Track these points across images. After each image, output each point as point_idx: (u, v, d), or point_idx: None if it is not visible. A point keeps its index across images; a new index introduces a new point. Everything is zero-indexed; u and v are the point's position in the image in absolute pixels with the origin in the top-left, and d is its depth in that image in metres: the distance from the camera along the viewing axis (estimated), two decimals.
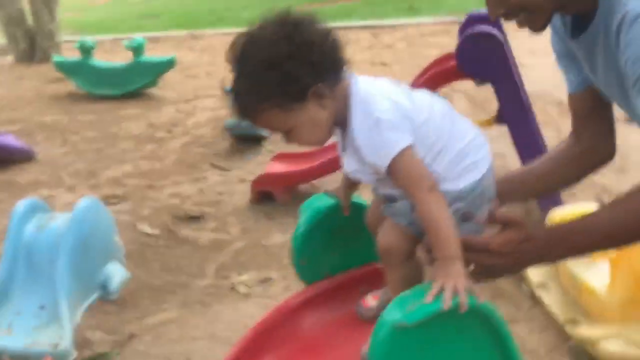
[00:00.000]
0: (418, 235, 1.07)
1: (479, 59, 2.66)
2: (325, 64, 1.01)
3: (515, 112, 2.70)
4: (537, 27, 1.21)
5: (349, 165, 1.11)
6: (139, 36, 5.54)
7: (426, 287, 0.95)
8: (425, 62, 5.45)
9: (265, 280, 2.65)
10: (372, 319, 1.25)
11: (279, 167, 3.34)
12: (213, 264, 2.80)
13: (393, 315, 0.93)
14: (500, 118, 2.99)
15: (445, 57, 3.02)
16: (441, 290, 0.92)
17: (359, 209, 1.30)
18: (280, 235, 2.99)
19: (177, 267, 2.80)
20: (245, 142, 4.08)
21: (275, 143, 4.09)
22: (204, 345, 2.26)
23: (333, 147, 3.29)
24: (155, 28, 9.18)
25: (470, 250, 1.01)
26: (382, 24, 7.15)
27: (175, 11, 10.95)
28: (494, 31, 2.65)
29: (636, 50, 1.03)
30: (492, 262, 1.03)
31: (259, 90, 1.01)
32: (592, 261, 2.08)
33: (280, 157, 3.49)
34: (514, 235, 1.05)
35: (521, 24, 1.21)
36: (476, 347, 0.99)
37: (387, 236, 1.11)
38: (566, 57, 1.35)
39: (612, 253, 1.91)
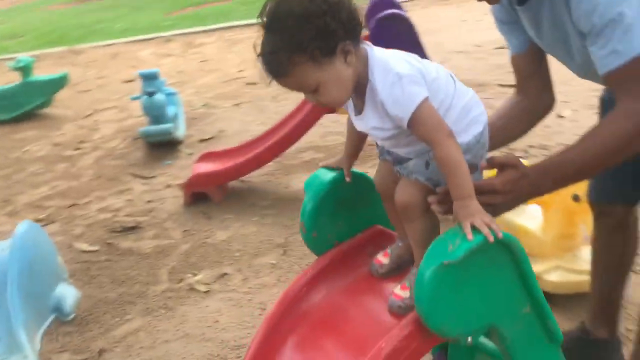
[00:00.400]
0: (434, 188, 1.21)
1: (391, 39, 2.86)
2: (352, 24, 1.10)
3: None
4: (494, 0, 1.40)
5: (367, 123, 1.19)
6: (20, 56, 5.26)
7: (456, 230, 1.10)
8: None
9: (222, 276, 2.70)
10: (386, 274, 1.38)
11: (207, 167, 3.37)
12: (164, 269, 2.80)
13: (436, 257, 1.06)
14: None
15: None
16: (473, 228, 1.08)
17: (358, 178, 1.42)
18: (223, 232, 3.04)
19: (127, 278, 2.77)
20: (160, 148, 4.05)
21: (192, 145, 4.11)
22: (179, 345, 2.28)
23: (258, 142, 3.39)
24: (21, 48, 8.67)
25: (477, 193, 1.17)
26: None
27: (40, 29, 10.38)
28: (403, 12, 2.86)
29: (586, 7, 1.24)
30: (497, 201, 1.19)
31: (295, 43, 1.06)
32: (523, 207, 2.35)
33: (205, 157, 3.51)
34: (512, 175, 1.22)
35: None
36: (503, 279, 1.14)
37: (405, 193, 1.24)
38: (509, 23, 1.56)
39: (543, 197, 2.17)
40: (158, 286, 2.68)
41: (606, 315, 1.96)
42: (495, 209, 1.21)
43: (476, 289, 1.12)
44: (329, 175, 1.38)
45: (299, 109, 3.36)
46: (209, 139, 4.16)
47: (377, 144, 1.35)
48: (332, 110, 3.14)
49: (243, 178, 3.45)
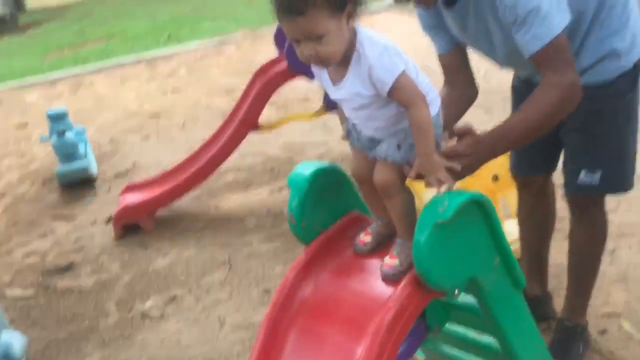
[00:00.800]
0: (407, 164, 1.40)
1: None
2: None
3: None
4: (431, 3, 1.64)
5: (348, 89, 1.32)
6: None
7: (442, 196, 1.28)
8: (212, 83, 5.81)
9: (173, 299, 2.74)
10: (370, 251, 1.54)
11: (134, 198, 3.37)
12: (111, 302, 2.79)
13: (429, 220, 1.25)
14: (328, 107, 3.45)
15: (270, 64, 3.36)
16: (441, 182, 1.30)
17: (332, 170, 1.58)
18: (163, 259, 3.08)
19: (73, 315, 2.73)
20: (74, 187, 3.97)
21: (108, 181, 4.06)
22: None
23: (182, 169, 3.45)
24: None
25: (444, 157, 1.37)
26: (153, 56, 7.25)
27: None
28: None
29: (510, 2, 1.50)
30: (461, 164, 1.40)
31: None
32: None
33: (129, 189, 3.51)
34: (471, 140, 1.43)
35: (420, 3, 1.63)
36: (479, 235, 1.35)
37: (383, 174, 1.41)
38: (435, 27, 1.80)
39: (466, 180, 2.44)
40: (109, 318, 2.67)
41: (536, 274, 2.26)
42: (459, 172, 1.41)
43: (461, 245, 1.32)
44: (309, 169, 1.53)
45: (220, 133, 3.46)
46: (124, 173, 4.14)
47: (346, 132, 1.51)
48: (255, 126, 3.29)
49: (170, 206, 3.49)
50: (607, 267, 2.40)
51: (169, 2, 12.23)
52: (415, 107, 1.30)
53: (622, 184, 1.88)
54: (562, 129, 1.86)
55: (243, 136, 3.29)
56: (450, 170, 1.37)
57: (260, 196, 3.55)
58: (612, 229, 2.04)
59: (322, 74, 1.39)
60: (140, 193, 3.44)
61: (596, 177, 1.84)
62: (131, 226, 3.33)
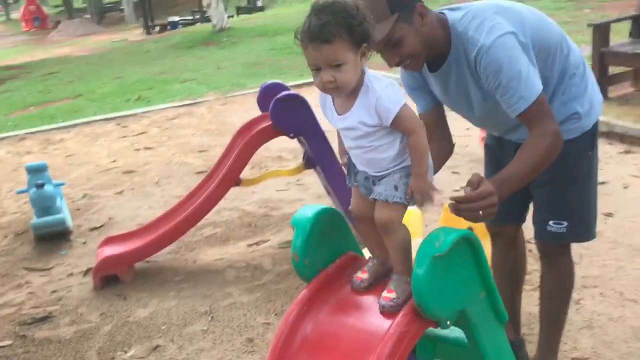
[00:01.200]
0: (406, 203, 1.55)
1: (291, 117, 3.26)
2: (371, 37, 1.44)
3: (327, 157, 3.34)
4: (417, 68, 1.84)
5: (353, 118, 1.48)
6: None
7: (438, 232, 1.44)
8: (185, 142, 5.95)
9: (155, 348, 2.77)
10: (367, 287, 1.67)
11: (115, 250, 3.42)
12: (91, 351, 2.80)
13: (427, 254, 1.39)
14: (307, 164, 3.62)
15: (252, 122, 3.54)
16: (422, 196, 1.47)
17: (331, 212, 1.72)
18: (144, 309, 3.11)
19: None
20: (48, 240, 3.97)
21: (84, 234, 4.09)
22: None
23: (163, 222, 3.52)
24: None
25: (462, 202, 1.52)
26: (124, 115, 7.36)
27: None
28: (299, 94, 3.28)
29: (494, 68, 1.71)
30: (478, 206, 1.54)
31: (345, 23, 1.37)
32: None
33: (108, 241, 3.55)
34: (487, 187, 1.58)
35: (407, 67, 1.83)
36: (468, 270, 1.49)
37: (384, 213, 1.55)
38: (418, 88, 2.01)
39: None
40: None
41: (510, 320, 2.39)
42: (492, 212, 1.57)
43: (453, 278, 1.47)
44: (312, 211, 1.67)
45: (200, 188, 3.56)
46: (100, 226, 4.17)
47: (347, 173, 1.66)
48: (238, 182, 3.42)
49: (149, 259, 3.54)
50: (573, 316, 2.58)
51: (136, 64, 12.47)
52: (416, 135, 1.48)
53: (586, 233, 2.07)
54: (531, 184, 2.06)
55: (225, 191, 3.40)
56: (484, 210, 1.54)
57: (239, 250, 3.64)
58: (576, 280, 2.23)
59: (327, 106, 1.56)
60: (120, 245, 3.48)
61: (563, 226, 2.03)
62: (110, 278, 3.36)
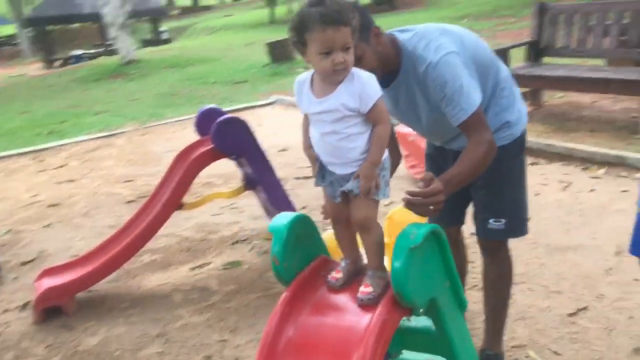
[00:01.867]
0: (377, 199, 1.70)
1: (232, 139, 3.36)
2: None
3: (269, 177, 3.46)
4: None
5: (336, 100, 1.63)
6: None
7: (411, 226, 1.60)
8: (108, 172, 5.86)
9: None
10: (342, 285, 1.80)
11: (55, 282, 3.34)
12: None
13: (404, 246, 1.54)
14: (247, 186, 3.72)
15: (192, 147, 3.60)
16: (369, 185, 1.64)
17: (306, 219, 1.84)
18: (93, 338, 3.07)
19: None
20: None
21: (14, 270, 3.95)
22: None
23: (101, 253, 3.48)
24: None
25: (423, 196, 1.68)
26: (39, 149, 7.12)
27: None
28: (239, 117, 3.40)
29: (440, 82, 1.92)
30: (429, 202, 1.71)
31: (356, 10, 1.63)
32: None
33: (46, 273, 3.47)
34: (437, 185, 1.75)
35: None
36: (436, 260, 1.66)
37: (360, 211, 1.68)
38: None
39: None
40: None
41: None
42: (439, 207, 1.73)
43: (425, 268, 1.64)
44: (287, 218, 1.79)
45: (141, 215, 3.56)
46: (32, 260, 4.04)
47: (316, 173, 1.79)
48: (180, 205, 3.46)
49: (90, 288, 3.48)
50: (508, 309, 2.82)
51: (41, 98, 12.05)
52: (383, 125, 1.66)
53: (521, 229, 2.32)
54: (472, 187, 2.29)
55: (169, 215, 3.44)
56: (433, 205, 1.70)
57: (182, 274, 3.66)
58: None
59: (303, 92, 1.71)
60: (59, 276, 3.41)
61: (502, 223, 2.27)
62: (50, 311, 3.28)
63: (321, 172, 1.77)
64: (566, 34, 5.78)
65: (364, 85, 1.62)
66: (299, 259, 1.83)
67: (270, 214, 3.92)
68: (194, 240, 4.15)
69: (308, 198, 4.51)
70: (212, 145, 3.38)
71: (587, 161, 4.55)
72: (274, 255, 1.77)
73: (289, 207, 3.53)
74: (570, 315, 2.77)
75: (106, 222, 4.62)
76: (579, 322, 2.72)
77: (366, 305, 1.68)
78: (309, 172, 5.29)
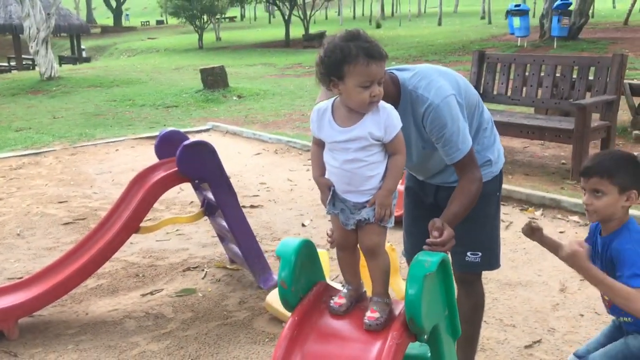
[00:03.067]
0: (386, 227, 1.74)
1: (197, 163, 3.31)
2: None
3: (231, 203, 3.43)
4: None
5: (362, 129, 1.70)
6: None
7: (424, 254, 1.65)
8: (39, 192, 5.57)
9: None
10: (345, 311, 1.81)
11: None
12: None
13: (419, 273, 1.59)
14: (206, 211, 3.66)
15: (152, 169, 3.50)
16: (384, 212, 1.71)
17: (310, 244, 1.85)
18: None
19: None
20: None
21: None
22: None
23: (48, 276, 3.30)
24: None
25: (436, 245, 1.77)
26: None
27: None
28: (206, 141, 3.37)
29: (439, 123, 2.00)
30: (447, 248, 1.78)
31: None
32: None
33: None
34: (449, 231, 1.81)
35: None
36: (439, 289, 1.72)
37: (370, 238, 1.72)
38: None
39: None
40: None
41: None
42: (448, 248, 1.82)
43: (432, 296, 1.70)
44: (294, 242, 1.80)
45: (93, 237, 3.39)
46: None
47: (327, 201, 1.81)
48: (137, 229, 3.35)
49: (34, 313, 3.28)
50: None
51: None
52: (401, 155, 1.75)
53: (496, 263, 2.44)
54: None
55: (127, 238, 3.31)
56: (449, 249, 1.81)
57: (133, 300, 3.52)
58: None
59: (325, 120, 1.77)
60: (1, 299, 3.19)
61: (478, 256, 2.37)
62: None
63: (332, 200, 1.80)
64: (503, 82, 6.15)
65: (389, 116, 1.69)
66: (303, 284, 1.84)
67: (226, 241, 3.87)
68: (141, 265, 4.01)
69: (257, 227, 4.49)
70: (175, 169, 3.31)
71: (524, 202, 4.83)
72: (282, 280, 1.77)
73: (249, 234, 3.50)
74: (527, 347, 2.91)
75: (42, 244, 4.39)
76: (536, 354, 2.85)
77: (373, 330, 1.71)
78: (255, 200, 5.28)
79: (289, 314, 2.86)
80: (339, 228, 1.83)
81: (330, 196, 1.80)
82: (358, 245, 1.82)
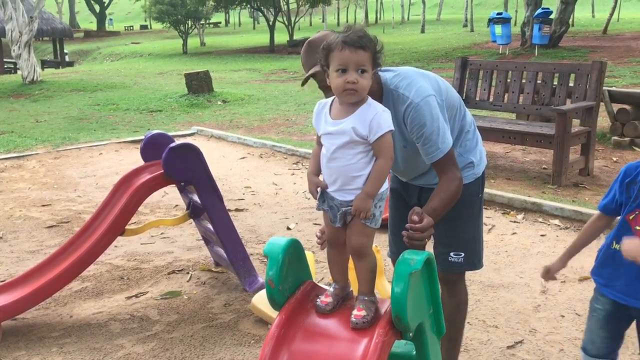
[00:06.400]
0: (374, 227, 1.77)
1: (183, 165, 3.32)
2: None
3: (217, 205, 3.44)
4: None
5: (347, 124, 1.73)
6: None
7: (409, 253, 1.67)
8: (22, 195, 5.54)
9: None
10: (331, 310, 1.84)
11: None
12: None
13: (405, 271, 1.62)
14: (191, 214, 3.67)
15: (137, 172, 3.50)
16: (365, 216, 1.73)
17: (297, 244, 1.87)
18: None
19: None
20: None
21: None
22: None
23: (31, 278, 3.29)
24: None
25: (415, 230, 1.80)
26: None
27: None
28: (192, 143, 3.38)
29: (419, 122, 2.04)
30: (426, 235, 1.83)
31: (374, 42, 1.73)
32: None
33: None
34: (429, 219, 1.85)
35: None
36: (424, 287, 1.74)
37: (357, 239, 1.74)
38: None
39: None
40: None
41: None
42: (427, 238, 1.86)
43: (417, 294, 1.73)
44: (282, 241, 1.82)
45: (77, 240, 3.38)
46: None
47: (318, 197, 1.84)
48: (122, 232, 3.35)
49: (19, 316, 3.26)
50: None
51: None
52: (385, 160, 1.76)
53: (479, 263, 2.48)
54: None
55: (112, 240, 3.31)
56: (428, 238, 1.85)
57: (117, 303, 3.51)
58: None
59: (322, 112, 1.82)
60: None
61: (461, 257, 2.41)
62: None
63: (322, 197, 1.82)
64: (485, 88, 6.24)
65: (377, 115, 1.72)
66: (290, 282, 1.86)
67: (211, 243, 3.88)
68: (125, 268, 4.00)
69: (242, 230, 4.50)
70: (161, 171, 3.32)
71: (506, 206, 4.89)
72: (269, 279, 1.79)
73: (235, 237, 3.52)
74: (509, 347, 2.95)
75: (25, 247, 4.36)
76: (518, 354, 2.90)
77: (360, 328, 1.73)
78: (240, 204, 5.29)
79: (274, 315, 2.90)
80: (329, 225, 1.86)
81: (320, 193, 1.84)
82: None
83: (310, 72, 2.08)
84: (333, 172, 1.78)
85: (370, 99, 1.77)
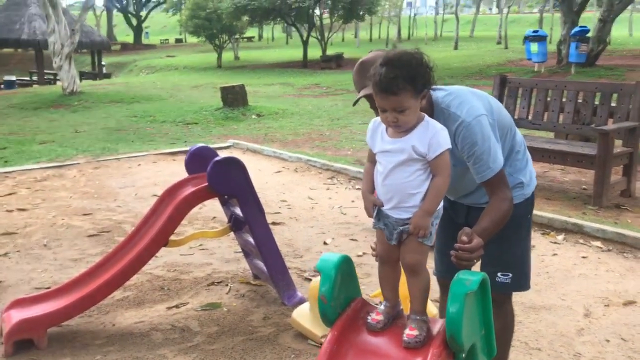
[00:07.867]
0: (429, 245, 1.78)
1: (227, 179, 3.37)
2: (431, 82, 1.76)
3: (259, 219, 3.47)
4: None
5: (406, 142, 1.75)
6: None
7: (464, 273, 1.68)
8: (64, 204, 5.65)
9: None
10: (382, 329, 1.84)
11: (26, 313, 3.17)
12: None
13: (460, 291, 1.62)
14: (233, 227, 3.71)
15: (181, 184, 3.56)
16: (424, 234, 1.75)
17: (349, 260, 1.88)
18: None
19: None
20: None
21: None
22: None
23: (77, 286, 3.35)
24: None
25: (464, 251, 1.80)
26: None
27: None
28: (236, 157, 3.42)
29: (470, 141, 2.04)
30: (475, 256, 1.83)
31: (411, 77, 1.67)
32: None
33: (16, 304, 3.29)
34: (478, 240, 1.85)
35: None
36: (477, 308, 1.74)
37: (412, 256, 1.75)
38: None
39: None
40: None
41: None
42: (477, 259, 1.86)
43: (472, 315, 1.72)
44: (334, 258, 1.83)
45: (122, 249, 3.45)
46: None
47: (375, 215, 1.86)
48: (166, 243, 3.40)
49: (64, 323, 3.33)
50: None
51: None
52: (443, 177, 1.77)
53: (526, 284, 2.46)
54: None
55: (156, 251, 3.37)
56: (477, 259, 1.85)
57: (159, 313, 3.56)
58: None
59: (378, 130, 1.84)
60: (31, 308, 3.24)
61: (509, 277, 2.39)
62: (19, 344, 3.10)
63: (378, 215, 1.84)
64: (524, 106, 6.19)
65: (436, 134, 1.73)
66: (341, 299, 1.87)
67: (251, 256, 3.91)
68: (166, 279, 4.06)
69: (279, 244, 4.51)
70: (205, 184, 3.37)
71: (545, 227, 4.83)
72: (322, 294, 1.81)
73: (275, 251, 3.54)
74: None
75: (68, 255, 4.45)
76: None
77: (412, 348, 1.73)
78: (277, 217, 5.31)
79: (315, 330, 2.92)
80: (383, 242, 1.87)
81: (376, 212, 1.85)
82: (400, 262, 1.86)
83: (361, 94, 2.09)
84: (389, 189, 1.79)
85: (427, 117, 1.78)
